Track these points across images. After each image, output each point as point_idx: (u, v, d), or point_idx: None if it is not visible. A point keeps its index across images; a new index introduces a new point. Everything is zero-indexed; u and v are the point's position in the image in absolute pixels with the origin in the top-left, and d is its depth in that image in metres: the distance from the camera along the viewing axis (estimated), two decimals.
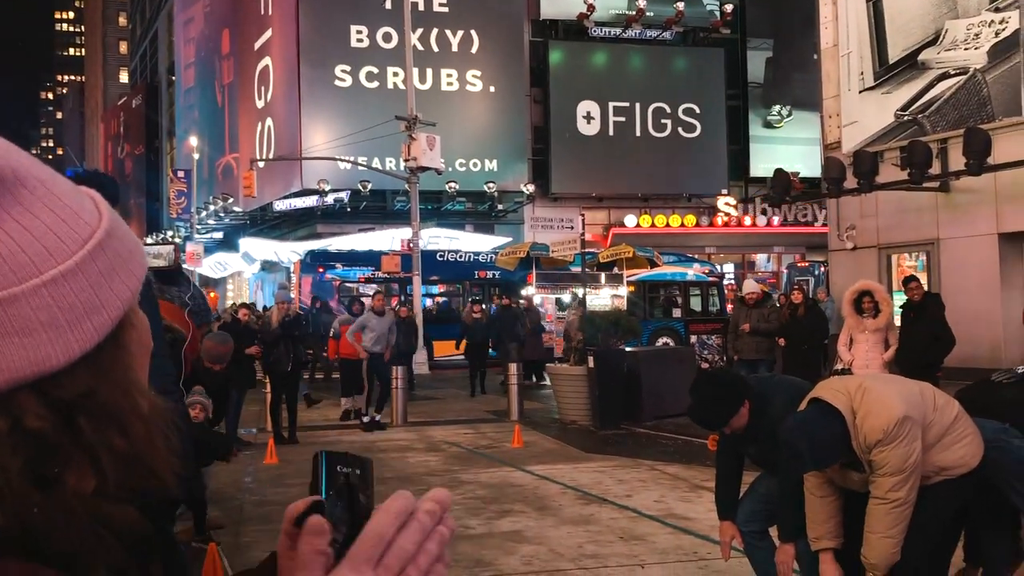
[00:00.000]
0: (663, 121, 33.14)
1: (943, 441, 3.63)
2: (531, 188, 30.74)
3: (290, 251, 28.54)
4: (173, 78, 53.14)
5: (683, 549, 5.89)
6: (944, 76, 15.33)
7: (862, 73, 16.84)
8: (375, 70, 30.51)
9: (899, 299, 10.75)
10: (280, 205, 32.10)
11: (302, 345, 11.93)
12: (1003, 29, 14.48)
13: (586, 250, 20.26)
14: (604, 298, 19.33)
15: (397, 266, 21.00)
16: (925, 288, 11.03)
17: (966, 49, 15.01)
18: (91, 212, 0.72)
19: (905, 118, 15.86)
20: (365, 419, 12.03)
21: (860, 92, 16.84)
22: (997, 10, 14.59)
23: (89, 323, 0.69)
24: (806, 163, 28.17)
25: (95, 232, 0.70)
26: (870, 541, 3.55)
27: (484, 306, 16.29)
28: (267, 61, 34.14)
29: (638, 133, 32.88)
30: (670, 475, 8.38)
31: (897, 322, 9.55)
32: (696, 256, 27.88)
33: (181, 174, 44.32)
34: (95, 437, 0.67)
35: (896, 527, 3.49)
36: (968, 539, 4.21)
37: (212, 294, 31.23)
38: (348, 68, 30.59)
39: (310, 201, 30.15)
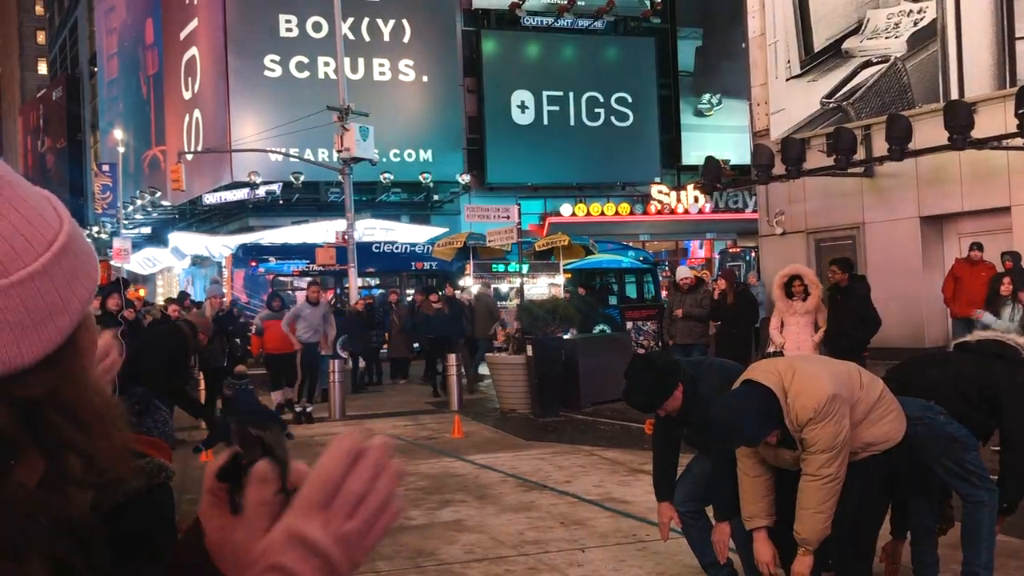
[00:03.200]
0: (596, 110, 33.39)
1: (869, 418, 3.75)
2: (467, 178, 30.69)
3: (221, 245, 28.01)
4: (95, 69, 51.58)
5: (622, 532, 5.98)
6: (867, 64, 15.75)
7: (788, 61, 17.19)
8: (306, 60, 30.07)
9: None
10: (210, 199, 31.47)
11: (237, 340, 11.75)
12: (921, 19, 14.92)
13: (523, 239, 20.31)
14: (541, 287, 19.43)
15: (332, 259, 20.78)
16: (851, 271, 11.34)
17: (887, 38, 15.43)
18: (52, 214, 0.73)
19: (830, 105, 16.25)
20: (297, 409, 11.92)
21: (787, 80, 17.19)
22: (915, 0, 15.03)
23: (53, 324, 0.70)
24: (736, 150, 28.69)
25: (59, 235, 0.72)
26: (802, 517, 3.65)
27: (440, 293, 15.89)
28: (194, 51, 33.38)
29: (572, 122, 33.07)
30: (609, 460, 8.48)
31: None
32: (630, 243, 28.20)
33: (106, 168, 43.10)
34: (56, 434, 0.68)
35: (827, 503, 3.60)
36: (895, 511, 4.35)
37: (141, 291, 30.45)
38: (278, 58, 30.10)
39: (241, 194, 29.62)
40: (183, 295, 16.13)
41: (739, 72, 23.36)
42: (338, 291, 20.24)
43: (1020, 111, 11.81)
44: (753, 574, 3.95)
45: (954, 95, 13.91)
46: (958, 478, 4.10)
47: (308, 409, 11.90)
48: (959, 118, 12.43)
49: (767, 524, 3.82)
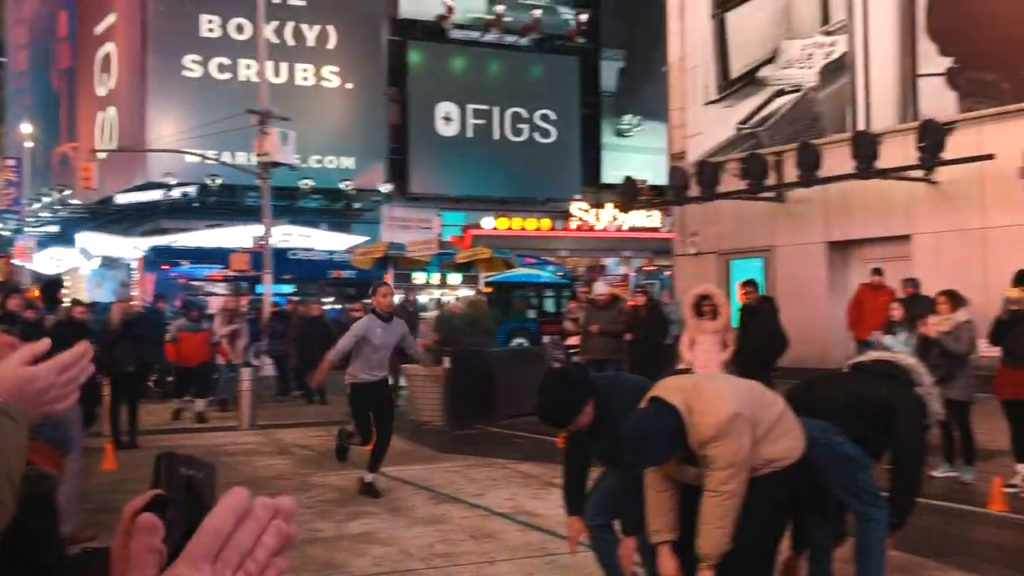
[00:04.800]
0: (520, 126, 33.67)
1: (770, 436, 3.89)
2: (389, 187, 30.53)
3: (132, 247, 27.19)
4: (3, 60, 49.56)
5: (532, 545, 6.03)
6: (780, 93, 16.30)
7: (707, 87, 17.67)
8: (227, 61, 29.53)
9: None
10: (122, 199, 30.55)
11: (148, 345, 11.41)
12: (833, 52, 15.54)
13: (443, 251, 20.28)
14: (463, 299, 19.46)
15: (247, 264, 20.36)
16: (760, 292, 11.71)
17: (800, 69, 16.01)
18: None
19: (745, 131, 16.75)
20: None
21: (705, 105, 17.66)
22: (828, 34, 15.64)
23: None
24: (654, 171, 29.27)
25: None
26: (703, 532, 3.74)
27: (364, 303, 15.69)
28: (110, 47, 32.42)
29: (496, 136, 33.26)
30: (522, 473, 8.54)
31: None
32: (551, 259, 28.45)
33: (11, 162, 41.38)
34: None
35: (727, 518, 3.71)
36: (794, 528, 4.51)
37: (35, 292, 29.30)
38: (198, 58, 29.48)
39: (155, 195, 28.84)
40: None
41: (659, 95, 23.88)
42: (252, 298, 19.85)
43: (921, 144, 12.41)
44: None
45: (861, 126, 14.51)
46: (852, 496, 4.28)
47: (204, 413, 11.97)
48: (865, 148, 12.98)
49: (671, 538, 3.91)
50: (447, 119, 32.62)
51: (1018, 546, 6.12)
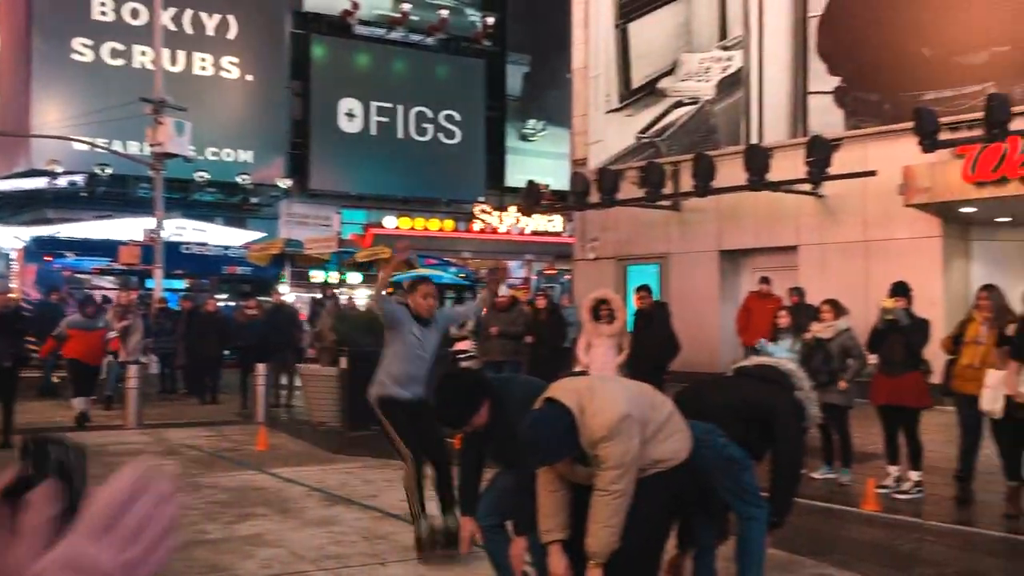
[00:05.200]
0: (425, 125, 33.53)
1: (658, 436, 3.99)
2: (288, 183, 29.94)
3: (12, 236, 25.86)
4: None
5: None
6: (679, 104, 16.74)
7: (608, 95, 17.99)
8: (120, 47, 28.42)
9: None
10: (3, 185, 29.02)
11: (24, 340, 10.88)
12: (729, 66, 16.04)
13: (343, 249, 20.01)
14: (361, 298, 19.24)
15: (136, 257, 19.65)
16: (655, 298, 12.01)
17: (698, 81, 16.48)
18: None
19: (644, 140, 17.13)
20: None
21: (606, 113, 17.98)
22: (725, 48, 16.15)
23: None
24: (557, 176, 29.59)
25: None
26: (593, 531, 3.81)
27: (258, 300, 15.24)
28: None
29: (400, 135, 33.04)
30: None
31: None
32: (453, 260, 28.44)
33: None
34: None
35: (616, 517, 3.79)
36: (680, 527, 4.64)
37: None
38: (89, 42, 28.27)
39: (39, 183, 27.51)
40: None
41: (563, 101, 24.18)
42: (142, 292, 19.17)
43: (809, 159, 12.93)
44: None
45: (754, 140, 15.02)
46: (734, 496, 4.44)
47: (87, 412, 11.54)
48: (757, 161, 13.44)
49: (562, 538, 3.97)
50: (350, 115, 32.22)
51: (889, 544, 6.44)
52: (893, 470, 8.04)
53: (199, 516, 6.63)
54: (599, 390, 3.94)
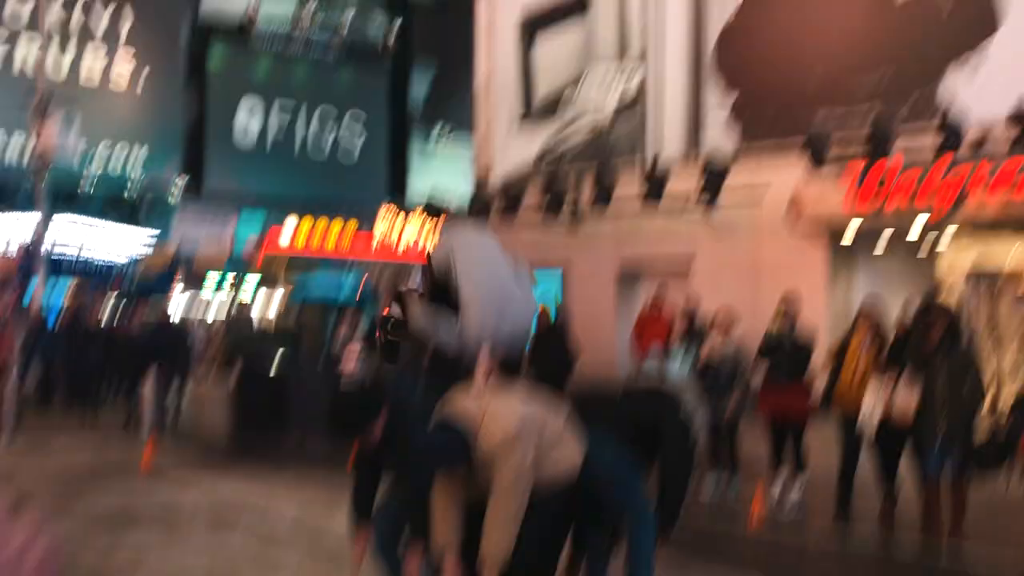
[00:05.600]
0: (327, 130, 33.08)
1: (554, 447, 4.03)
2: (182, 183, 29.03)
3: None
4: None
5: (318, 559, 5.91)
6: (581, 118, 16.99)
7: (512, 107, 18.12)
8: (3, 32, 27.06)
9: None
10: None
11: None
12: (630, 83, 16.38)
13: (239, 254, 19.53)
14: (257, 308, 18.82)
15: (11, 272, 18.60)
16: (551, 311, 12.14)
17: (599, 96, 16.76)
18: None
19: (547, 153, 17.31)
20: None
21: (509, 125, 18.10)
22: (624, 65, 16.47)
23: None
24: (463, 184, 29.59)
25: None
26: (488, 539, 3.83)
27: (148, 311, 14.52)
28: None
29: (301, 139, 32.50)
30: (311, 487, 8.35)
31: None
32: (353, 267, 28.06)
33: None
34: None
35: (511, 524, 3.81)
36: (574, 535, 4.70)
37: None
38: None
39: None
40: None
41: (469, 109, 24.21)
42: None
43: (705, 175, 13.31)
44: None
45: (652, 154, 15.34)
46: (624, 506, 4.52)
47: None
48: (655, 176, 13.76)
49: (456, 548, 3.96)
50: (250, 116, 31.52)
51: (774, 547, 6.66)
52: (779, 478, 8.33)
53: (80, 533, 6.34)
54: (496, 400, 3.97)
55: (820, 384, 8.29)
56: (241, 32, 31.32)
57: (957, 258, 13.43)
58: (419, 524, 4.15)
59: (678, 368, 8.33)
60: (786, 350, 8.50)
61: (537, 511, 3.90)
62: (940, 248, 13.41)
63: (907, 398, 6.77)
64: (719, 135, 14.74)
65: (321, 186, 31.80)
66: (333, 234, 28.93)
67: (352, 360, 12.42)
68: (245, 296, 19.59)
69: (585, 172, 15.36)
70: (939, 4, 12.53)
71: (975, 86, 12.00)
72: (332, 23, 32.18)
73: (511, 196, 15.75)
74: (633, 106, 16.22)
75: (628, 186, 14.32)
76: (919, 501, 6.87)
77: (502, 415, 3.81)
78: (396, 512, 4.53)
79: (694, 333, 9.71)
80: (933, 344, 6.65)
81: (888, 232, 12.78)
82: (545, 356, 10.01)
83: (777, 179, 13.04)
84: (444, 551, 3.97)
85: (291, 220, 28.78)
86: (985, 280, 13.32)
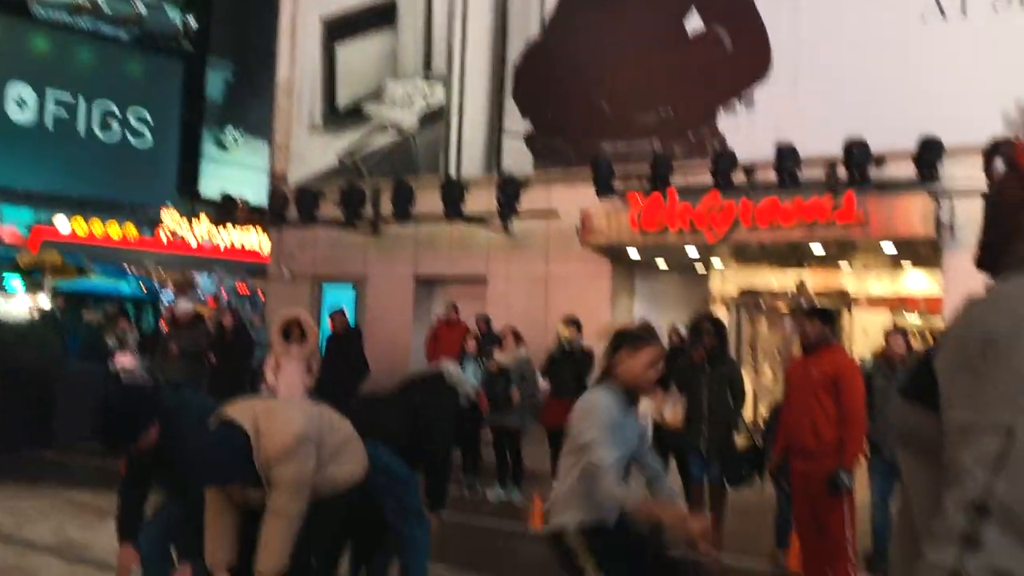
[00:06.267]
0: (111, 123, 31.01)
1: (336, 459, 4.02)
2: None
3: None
4: None
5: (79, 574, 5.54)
6: (383, 129, 16.98)
7: (312, 113, 17.81)
8: None
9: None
10: None
11: None
12: (432, 99, 16.57)
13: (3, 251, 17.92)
14: (21, 307, 17.30)
15: None
16: (351, 320, 12.04)
17: (402, 109, 16.83)
18: None
19: (346, 162, 17.15)
20: None
21: (309, 130, 17.78)
22: (428, 80, 16.66)
23: None
24: (255, 189, 28.66)
25: None
26: (264, 554, 3.75)
27: None
28: None
29: (81, 131, 30.27)
30: (75, 502, 7.80)
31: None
32: (134, 270, 26.44)
33: None
34: None
35: (287, 539, 3.76)
36: (353, 547, 4.69)
37: None
38: None
39: None
40: None
41: (266, 112, 23.55)
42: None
43: (500, 196, 13.68)
44: None
45: (452, 172, 15.60)
46: (397, 515, 4.58)
47: None
48: (453, 193, 13.99)
49: (229, 562, 3.86)
50: (20, 103, 29.01)
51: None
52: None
53: None
54: (276, 411, 3.91)
55: None
56: (16, 7, 28.83)
57: (726, 282, 14.58)
58: (190, 537, 4.01)
59: (468, 376, 8.51)
60: (571, 363, 8.90)
61: (316, 524, 3.88)
62: (711, 272, 14.50)
63: (676, 408, 7.29)
64: (516, 157, 15.21)
65: (101, 183, 29.75)
66: (113, 232, 27.17)
67: (129, 360, 11.73)
68: (8, 296, 17.97)
69: (385, 184, 15.35)
70: (724, 44, 13.61)
71: (743, 127, 13.12)
72: (123, 11, 30.30)
73: (308, 204, 15.46)
74: (435, 122, 16.42)
75: (428, 201, 14.47)
76: (693, 509, 7.38)
77: (281, 430, 3.76)
78: (167, 525, 4.35)
79: (487, 345, 9.96)
80: (701, 357, 7.20)
81: (665, 256, 13.67)
82: (337, 366, 9.92)
83: (567, 203, 13.63)
84: (216, 564, 3.86)
85: (61, 218, 26.71)
86: (750, 302, 14.56)
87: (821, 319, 5.75)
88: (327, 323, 11.61)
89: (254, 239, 29.38)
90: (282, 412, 3.91)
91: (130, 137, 31.39)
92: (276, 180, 17.76)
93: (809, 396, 5.54)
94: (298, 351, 9.54)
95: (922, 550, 1.24)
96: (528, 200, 13.81)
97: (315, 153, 17.55)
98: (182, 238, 28.98)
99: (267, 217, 16.76)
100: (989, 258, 1.49)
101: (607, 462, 3.33)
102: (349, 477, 4.08)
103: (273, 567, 3.74)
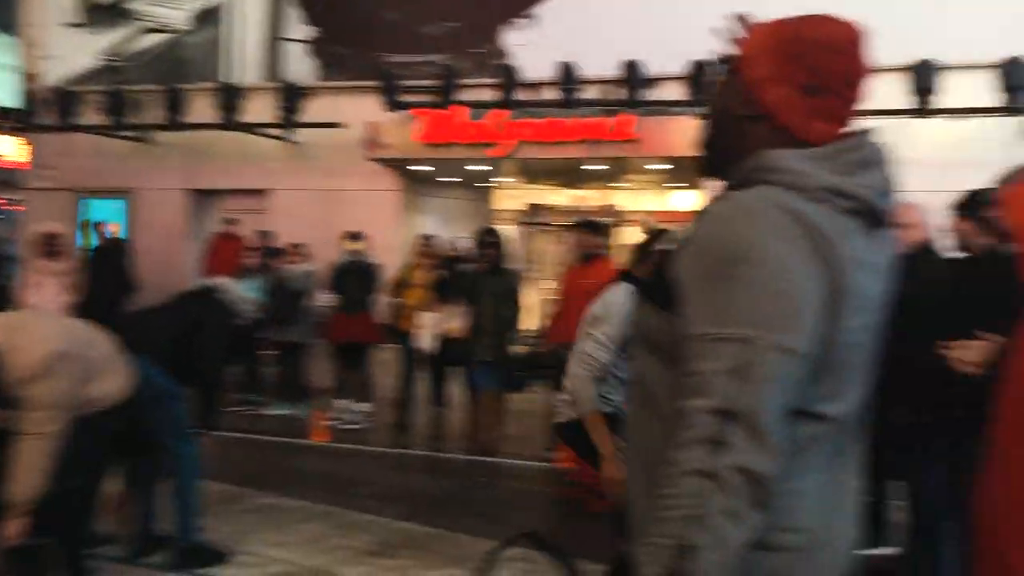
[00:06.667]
0: None
1: (97, 375, 3.82)
2: None
3: None
4: None
5: None
6: (152, 30, 15.72)
7: (67, 7, 16.18)
8: None
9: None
10: None
11: None
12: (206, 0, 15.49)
13: None
14: None
15: None
16: (120, 233, 11.29)
17: (172, 9, 15.63)
18: None
19: (110, 63, 15.78)
20: None
21: (68, 27, 16.16)
22: None
23: None
24: (5, 91, 25.76)
25: None
26: (20, 478, 3.53)
27: None
28: None
29: None
30: None
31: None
32: None
33: None
34: None
35: (44, 461, 3.55)
36: (123, 465, 4.52)
37: None
38: None
39: None
40: None
41: (14, 5, 21.06)
42: None
43: (281, 105, 13.13)
44: None
45: (227, 78, 14.72)
46: (166, 432, 4.45)
47: None
48: (229, 100, 13.26)
49: None
50: None
51: (333, 471, 6.98)
52: (342, 403, 8.71)
53: None
54: (29, 326, 3.64)
55: (386, 311, 8.77)
56: None
57: (511, 198, 14.93)
58: None
59: (251, 294, 8.27)
60: (357, 278, 8.84)
61: (78, 443, 3.68)
62: (497, 189, 14.78)
63: (459, 319, 7.45)
64: (298, 65, 14.61)
65: None
66: None
67: None
68: None
69: (154, 91, 14.24)
70: None
71: (527, 45, 13.29)
72: None
73: (67, 107, 14.12)
74: (209, 26, 15.39)
75: (202, 109, 13.63)
76: (469, 413, 7.65)
77: (35, 346, 3.52)
78: None
79: (267, 260, 9.68)
80: (483, 269, 7.38)
81: (450, 171, 13.76)
82: (102, 280, 9.30)
83: (353, 116, 13.30)
84: None
85: None
86: (532, 218, 15.01)
87: (593, 231, 6.04)
88: (94, 238, 10.82)
89: (1, 145, 26.50)
90: (35, 327, 3.64)
91: None
92: (29, 80, 16.08)
93: (581, 301, 5.84)
94: (57, 267, 8.84)
95: (671, 456, 1.30)
96: (312, 110, 13.34)
97: (73, 52, 16.01)
98: None
99: (23, 120, 15.20)
100: (715, 167, 1.56)
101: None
102: (114, 393, 3.90)
103: (30, 491, 3.53)
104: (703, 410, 1.28)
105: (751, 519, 1.25)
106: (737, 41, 1.51)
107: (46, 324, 3.76)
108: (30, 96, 15.18)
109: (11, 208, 19.21)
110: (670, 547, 1.25)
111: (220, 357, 4.88)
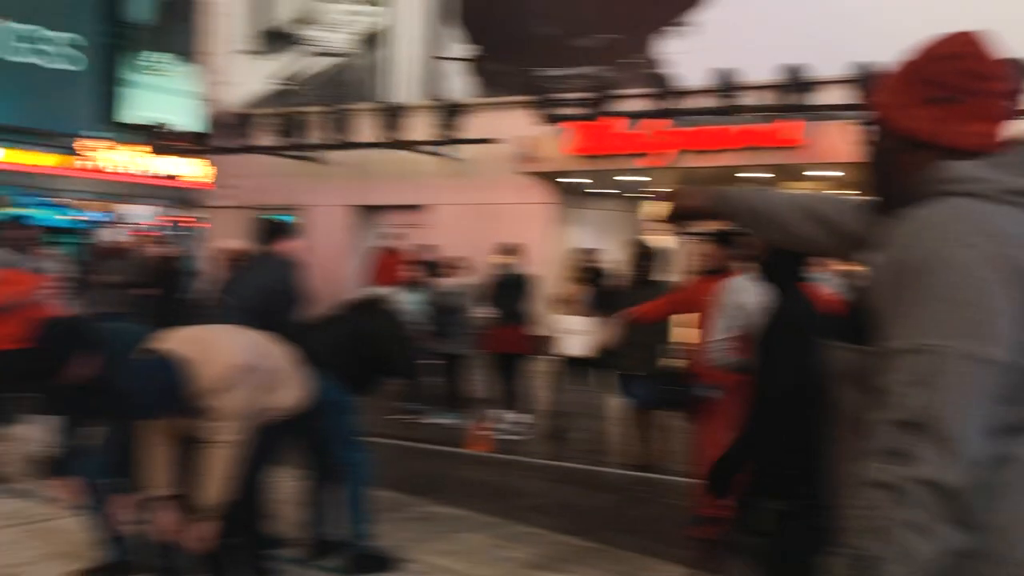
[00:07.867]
0: (27, 45, 29.53)
1: (274, 386, 3.97)
2: None
3: None
4: None
5: (20, 515, 5.45)
6: (321, 54, 16.50)
7: (244, 36, 17.20)
8: None
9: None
10: None
11: None
12: (370, 22, 16.10)
13: None
14: None
15: None
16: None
17: (340, 34, 16.34)
18: None
19: (282, 87, 16.66)
20: None
21: (241, 54, 17.19)
22: (367, 3, 16.16)
23: None
24: (186, 116, 27.75)
25: None
26: (206, 484, 3.71)
27: None
28: None
29: None
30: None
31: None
32: (57, 200, 25.55)
33: None
34: None
35: (230, 469, 3.72)
36: (300, 472, 4.67)
37: None
38: None
39: None
40: None
41: (192, 35, 22.66)
42: None
43: (441, 123, 13.45)
44: (154, 544, 3.92)
45: (390, 98, 15.24)
46: (336, 441, 4.58)
47: None
48: (391, 119, 13.72)
49: (169, 493, 3.81)
50: None
51: (494, 481, 7.02)
52: (502, 414, 8.77)
53: None
54: (210, 339, 3.83)
55: (543, 323, 8.80)
56: None
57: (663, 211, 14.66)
58: (127, 467, 3.95)
59: (410, 304, 8.49)
60: (511, 291, 8.91)
61: (255, 451, 3.84)
62: (651, 198, 14.58)
63: (611, 330, 7.36)
64: (455, 83, 14.94)
65: (18, 110, 28.45)
66: (40, 160, 26.16)
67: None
68: None
69: (321, 112, 14.93)
70: None
71: (683, 55, 13.06)
72: None
73: (243, 130, 15.03)
74: (372, 48, 15.99)
75: (366, 129, 14.17)
76: (628, 429, 7.53)
77: (218, 358, 3.69)
78: (102, 456, 4.28)
79: (428, 274, 9.90)
80: (634, 282, 7.28)
81: (606, 182, 13.68)
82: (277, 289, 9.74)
83: (509, 131, 13.46)
84: (156, 495, 3.81)
85: None
86: (682, 237, 14.69)
87: (724, 244, 5.80)
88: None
89: (183, 167, 28.55)
90: (216, 340, 3.83)
91: (48, 61, 29.95)
92: (209, 106, 17.21)
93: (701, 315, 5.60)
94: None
95: (856, 469, 1.31)
96: (470, 127, 13.61)
97: (248, 78, 17.01)
98: (106, 167, 28.03)
99: (205, 144, 16.27)
100: (893, 205, 1.54)
101: None
102: (289, 403, 4.04)
103: (215, 498, 3.71)
104: (888, 422, 1.28)
105: (943, 533, 1.23)
106: (872, 97, 1.55)
107: (230, 338, 3.95)
108: (211, 120, 16.21)
109: (195, 225, 20.56)
110: (851, 557, 1.27)
111: (407, 356, 4.97)
